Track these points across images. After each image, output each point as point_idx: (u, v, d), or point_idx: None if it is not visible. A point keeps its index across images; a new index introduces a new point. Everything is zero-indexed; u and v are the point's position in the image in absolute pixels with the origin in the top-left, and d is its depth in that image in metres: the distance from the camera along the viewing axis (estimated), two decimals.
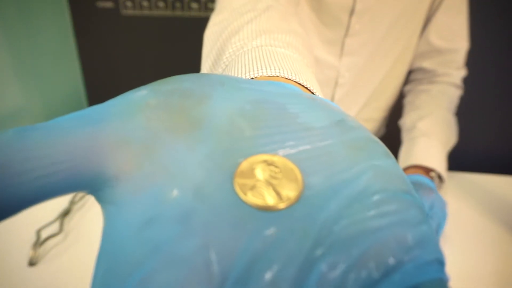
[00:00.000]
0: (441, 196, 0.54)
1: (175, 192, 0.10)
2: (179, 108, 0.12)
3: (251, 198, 0.10)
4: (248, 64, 0.22)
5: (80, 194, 0.61)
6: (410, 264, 0.09)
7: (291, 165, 0.11)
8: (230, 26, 0.30)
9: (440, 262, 0.10)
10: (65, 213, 0.56)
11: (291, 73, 0.20)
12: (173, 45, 0.98)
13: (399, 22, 0.58)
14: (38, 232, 0.51)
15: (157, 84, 0.13)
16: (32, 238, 0.52)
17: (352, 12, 0.55)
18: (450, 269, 0.50)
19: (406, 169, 0.60)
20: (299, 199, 0.10)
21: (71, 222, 0.56)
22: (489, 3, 0.81)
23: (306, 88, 0.19)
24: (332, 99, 0.63)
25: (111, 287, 0.09)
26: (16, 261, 0.48)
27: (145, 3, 0.93)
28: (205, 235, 0.09)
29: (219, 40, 0.29)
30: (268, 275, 0.09)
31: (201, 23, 0.65)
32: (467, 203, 0.64)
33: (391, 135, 0.75)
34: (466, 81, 0.68)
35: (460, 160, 0.83)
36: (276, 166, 0.11)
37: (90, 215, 0.58)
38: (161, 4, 0.93)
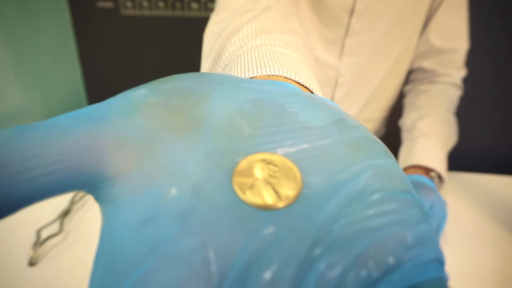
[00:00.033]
0: (441, 196, 0.54)
1: (174, 191, 0.10)
2: (178, 107, 0.12)
3: (249, 197, 0.10)
4: (248, 63, 0.22)
5: (80, 194, 0.61)
6: (410, 263, 0.09)
7: (290, 164, 0.11)
8: (230, 25, 0.30)
9: (440, 262, 0.10)
10: (65, 213, 0.56)
11: (291, 72, 0.20)
12: (173, 45, 0.98)
13: (399, 22, 0.58)
14: (38, 232, 0.51)
15: (156, 83, 0.13)
16: (32, 238, 0.52)
17: (352, 12, 0.55)
18: (450, 269, 0.50)
19: (406, 169, 0.60)
20: (298, 198, 0.10)
21: (71, 222, 0.56)
22: (489, 3, 0.81)
23: (306, 87, 0.19)
24: (332, 99, 0.63)
25: (109, 286, 0.09)
26: (16, 261, 0.48)
27: (145, 3, 0.93)
28: (204, 234, 0.09)
29: (219, 40, 0.29)
30: (267, 275, 0.09)
31: (201, 23, 0.65)
32: (467, 203, 0.64)
33: (391, 135, 0.75)
34: (466, 81, 0.68)
35: (460, 160, 0.83)
36: (275, 165, 0.11)
37: (90, 215, 0.58)
38: (161, 4, 0.93)
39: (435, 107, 0.64)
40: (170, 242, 0.09)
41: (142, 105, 0.12)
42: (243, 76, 0.20)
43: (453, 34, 0.63)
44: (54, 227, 0.54)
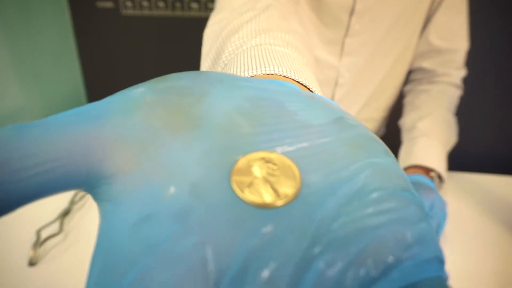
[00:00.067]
0: (441, 196, 0.54)
1: (172, 190, 0.10)
2: (177, 105, 0.12)
3: (248, 195, 0.10)
4: (247, 62, 0.22)
5: (80, 194, 0.61)
6: (409, 262, 0.09)
7: (289, 162, 0.11)
8: (229, 25, 0.30)
9: (440, 260, 0.10)
10: (65, 213, 0.56)
11: (290, 71, 0.20)
12: (173, 45, 0.98)
13: (399, 22, 0.58)
14: (38, 232, 0.51)
15: (155, 82, 0.13)
16: (32, 238, 0.52)
17: (352, 12, 0.55)
18: (450, 269, 0.50)
19: (406, 169, 0.60)
20: (297, 197, 0.10)
21: (71, 222, 0.56)
22: (489, 3, 0.81)
23: (305, 86, 0.19)
24: (332, 99, 0.63)
25: (106, 284, 0.09)
26: (16, 261, 0.48)
27: (145, 3, 0.93)
28: (202, 233, 0.09)
29: (218, 39, 0.29)
30: (265, 273, 0.09)
31: (201, 23, 0.65)
32: (467, 203, 0.63)
33: (391, 135, 0.75)
34: (466, 81, 0.68)
35: (460, 160, 0.83)
36: (273, 164, 0.11)
37: (90, 215, 0.58)
38: (161, 4, 0.93)
39: (435, 107, 0.64)
40: (168, 241, 0.09)
41: (141, 103, 0.12)
42: (242, 75, 0.20)
43: (453, 34, 0.63)
44: (54, 227, 0.54)
